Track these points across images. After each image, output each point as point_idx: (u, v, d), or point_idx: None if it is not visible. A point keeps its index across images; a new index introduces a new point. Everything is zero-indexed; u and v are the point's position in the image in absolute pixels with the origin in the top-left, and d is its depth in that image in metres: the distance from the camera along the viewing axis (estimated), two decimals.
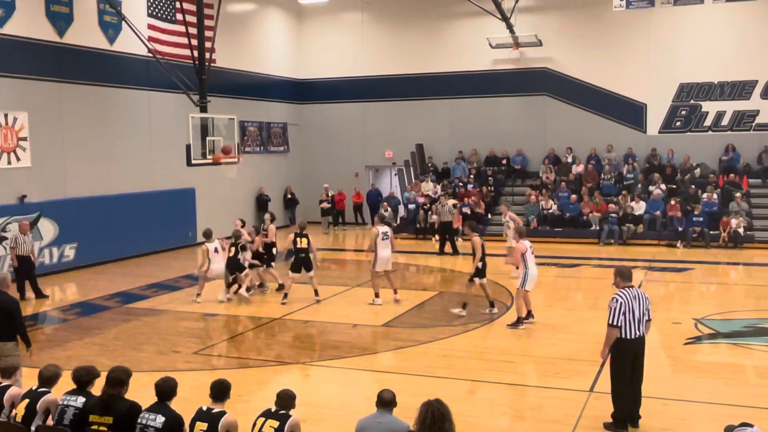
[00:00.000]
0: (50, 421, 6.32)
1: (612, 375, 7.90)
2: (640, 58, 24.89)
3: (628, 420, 7.82)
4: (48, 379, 6.52)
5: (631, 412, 7.86)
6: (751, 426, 5.38)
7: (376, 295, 14.18)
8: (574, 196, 23.72)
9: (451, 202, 24.59)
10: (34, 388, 6.47)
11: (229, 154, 18.42)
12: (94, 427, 6.03)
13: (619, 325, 7.61)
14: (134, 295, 15.70)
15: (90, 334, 12.58)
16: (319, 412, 8.49)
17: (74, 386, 6.40)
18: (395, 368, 10.24)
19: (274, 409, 6.00)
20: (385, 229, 14.39)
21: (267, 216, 16.89)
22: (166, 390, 6.12)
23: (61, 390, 6.51)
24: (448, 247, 21.33)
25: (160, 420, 5.88)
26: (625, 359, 7.74)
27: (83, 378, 6.40)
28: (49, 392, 6.40)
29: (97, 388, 6.39)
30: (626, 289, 7.74)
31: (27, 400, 6.34)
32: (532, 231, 22.53)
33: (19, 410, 6.30)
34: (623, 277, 7.89)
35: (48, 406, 6.31)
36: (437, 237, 22.22)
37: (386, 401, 5.90)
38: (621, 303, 7.62)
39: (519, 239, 12.66)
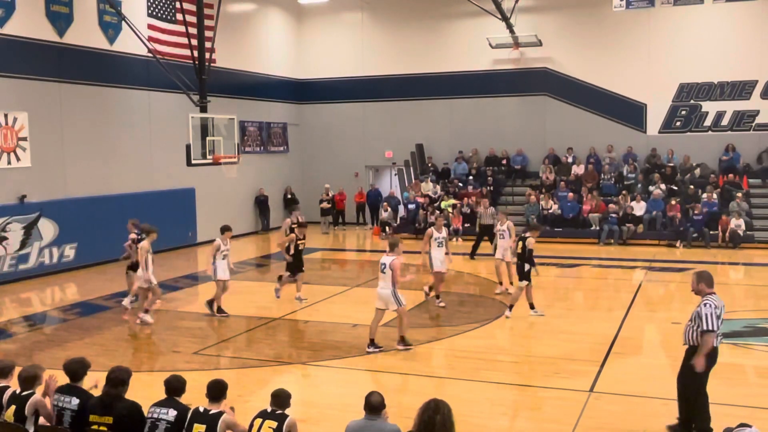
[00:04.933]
0: (42, 421, 6.29)
1: (697, 385, 7.54)
2: (640, 58, 24.89)
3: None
4: (26, 380, 6.40)
5: (700, 422, 7.62)
6: (750, 426, 5.36)
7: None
8: (571, 195, 23.72)
9: (452, 202, 24.66)
10: (17, 391, 6.34)
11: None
12: (94, 427, 6.03)
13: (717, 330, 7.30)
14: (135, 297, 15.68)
15: (90, 334, 12.58)
16: (320, 412, 8.49)
17: (67, 381, 6.41)
18: (395, 368, 10.24)
19: (270, 409, 5.99)
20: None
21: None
22: (176, 386, 6.16)
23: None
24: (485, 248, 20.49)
25: (172, 414, 5.93)
26: (710, 368, 7.47)
27: (80, 371, 6.43)
28: (33, 393, 6.32)
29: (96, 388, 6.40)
30: (712, 295, 7.45)
31: (14, 406, 6.23)
32: None
33: (8, 416, 6.23)
34: (708, 283, 7.56)
35: (36, 407, 6.24)
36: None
37: (374, 406, 5.74)
38: (716, 307, 7.32)
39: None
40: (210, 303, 13.60)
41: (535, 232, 13.41)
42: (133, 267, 14.53)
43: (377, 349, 10.98)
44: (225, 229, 13.79)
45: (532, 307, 13.11)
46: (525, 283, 12.94)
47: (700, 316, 7.28)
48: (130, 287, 14.87)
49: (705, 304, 7.33)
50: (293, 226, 15.19)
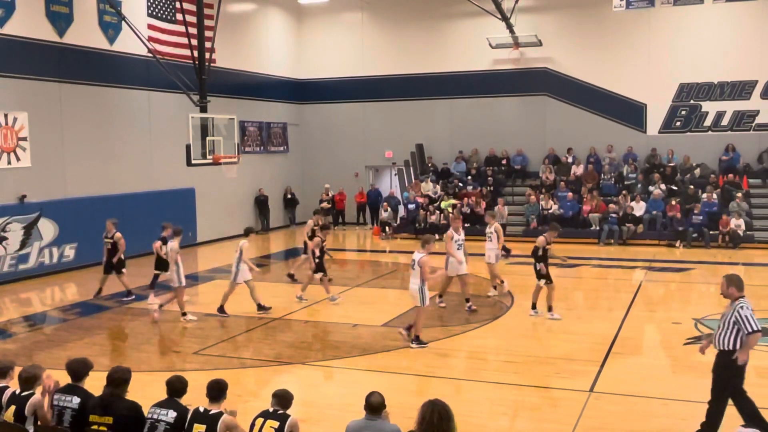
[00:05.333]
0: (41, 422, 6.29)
1: (725, 389, 7.53)
2: (640, 58, 24.90)
3: None
4: (26, 380, 6.40)
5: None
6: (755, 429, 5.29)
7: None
8: (570, 194, 23.70)
9: (452, 202, 24.66)
10: (17, 391, 6.35)
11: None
12: (94, 427, 6.03)
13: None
14: (134, 295, 15.69)
15: (90, 334, 12.58)
16: (320, 412, 8.49)
17: (69, 381, 6.41)
18: (395, 368, 10.23)
19: (272, 409, 5.99)
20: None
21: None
22: (178, 387, 6.17)
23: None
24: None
25: (171, 415, 5.92)
26: (743, 376, 7.46)
27: (80, 371, 6.42)
28: (33, 393, 6.32)
29: (96, 388, 6.38)
30: (743, 299, 7.46)
31: (14, 407, 6.24)
32: (531, 231, 22.61)
33: (8, 417, 6.23)
34: (738, 287, 7.56)
35: (35, 407, 6.23)
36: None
37: (374, 406, 5.77)
38: (750, 309, 7.31)
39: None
40: (260, 306, 13.74)
41: (552, 233, 13.17)
42: (118, 267, 14.74)
43: (422, 345, 11.13)
44: (250, 231, 14.24)
45: (533, 306, 13.10)
46: (542, 282, 12.87)
47: (742, 320, 7.31)
48: (125, 285, 14.99)
49: (742, 307, 7.39)
50: (315, 228, 15.63)
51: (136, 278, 17.66)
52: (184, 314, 13.25)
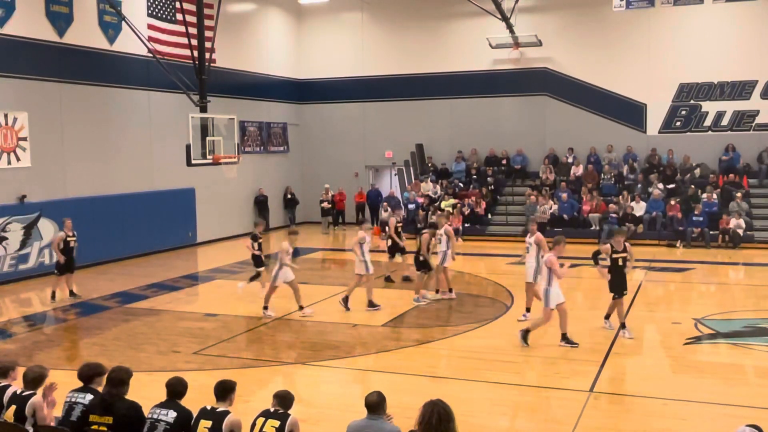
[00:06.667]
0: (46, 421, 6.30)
1: None
2: (640, 58, 24.89)
3: None
4: (32, 380, 6.42)
5: None
6: (757, 428, 5.22)
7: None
8: (564, 195, 23.61)
9: (452, 202, 24.65)
10: (18, 391, 6.36)
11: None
12: (95, 427, 6.03)
13: None
14: (134, 295, 15.71)
15: (90, 334, 12.58)
16: (319, 412, 8.49)
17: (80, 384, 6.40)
18: (395, 368, 10.23)
19: (272, 409, 6.02)
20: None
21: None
22: (179, 388, 6.19)
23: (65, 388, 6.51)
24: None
25: (172, 415, 5.95)
26: None
27: (85, 374, 6.43)
28: (35, 394, 6.32)
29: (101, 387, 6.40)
30: None
31: (14, 406, 6.24)
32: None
33: (8, 416, 6.23)
34: None
35: (35, 408, 6.24)
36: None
37: (374, 406, 5.78)
38: None
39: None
40: (372, 303, 13.76)
41: (617, 238, 11.97)
42: (64, 268, 14.98)
43: (571, 345, 10.94)
44: (364, 221, 14.72)
45: (622, 326, 11.79)
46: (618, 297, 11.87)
47: None
48: (57, 288, 15.21)
49: None
50: (398, 225, 16.28)
51: (137, 278, 17.70)
52: (265, 308, 13.46)
